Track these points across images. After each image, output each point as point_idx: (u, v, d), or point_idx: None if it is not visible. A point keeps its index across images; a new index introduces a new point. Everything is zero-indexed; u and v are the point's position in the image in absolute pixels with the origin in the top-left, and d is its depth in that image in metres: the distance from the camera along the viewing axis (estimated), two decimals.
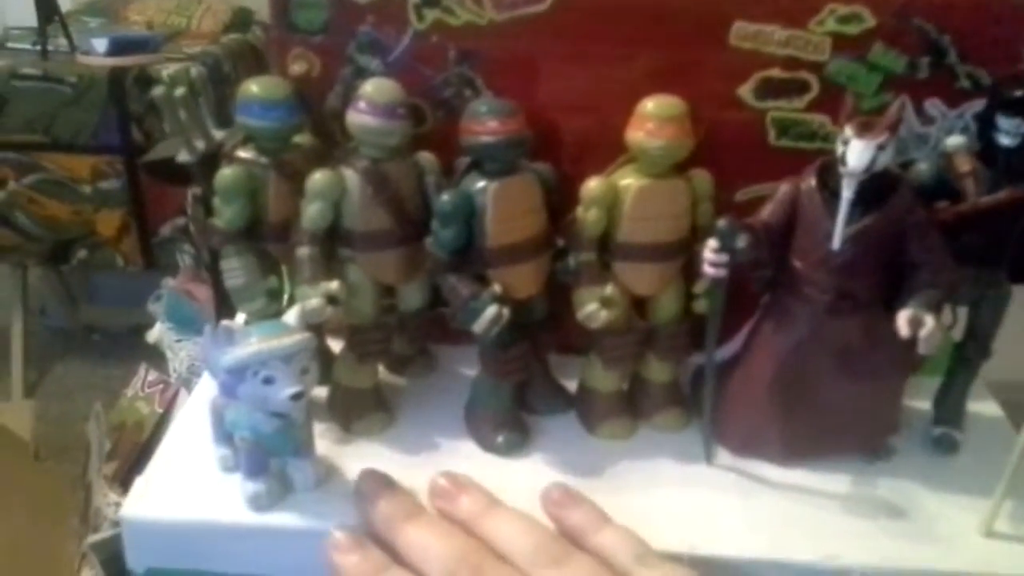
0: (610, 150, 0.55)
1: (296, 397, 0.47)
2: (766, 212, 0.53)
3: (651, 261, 0.56)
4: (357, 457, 0.55)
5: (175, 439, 0.57)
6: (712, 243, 0.50)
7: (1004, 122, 0.51)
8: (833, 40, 0.56)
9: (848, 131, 0.48)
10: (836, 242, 0.50)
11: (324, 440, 0.56)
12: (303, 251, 0.54)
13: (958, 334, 0.58)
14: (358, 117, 0.53)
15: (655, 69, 0.57)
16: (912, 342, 0.48)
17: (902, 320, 0.48)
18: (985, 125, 0.53)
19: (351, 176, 0.54)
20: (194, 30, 1.72)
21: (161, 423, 1.03)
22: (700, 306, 0.56)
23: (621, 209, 0.54)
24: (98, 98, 1.44)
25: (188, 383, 0.98)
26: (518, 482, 0.52)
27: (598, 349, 0.58)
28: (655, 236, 0.55)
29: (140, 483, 0.53)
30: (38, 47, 1.50)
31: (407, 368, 0.65)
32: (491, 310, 0.52)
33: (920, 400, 0.60)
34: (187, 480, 0.54)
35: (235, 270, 0.56)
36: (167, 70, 1.41)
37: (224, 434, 0.53)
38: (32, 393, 1.69)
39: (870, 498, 0.54)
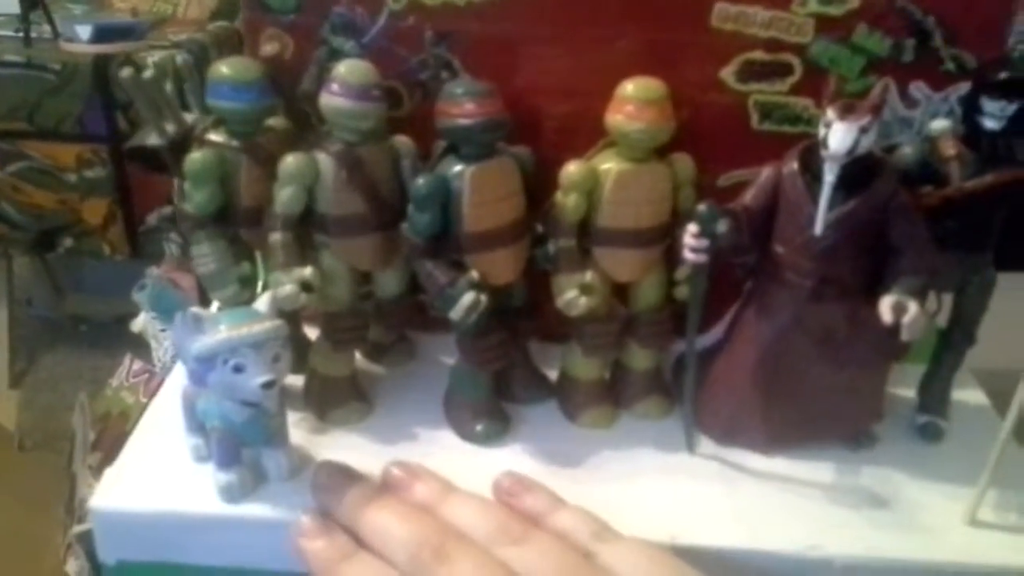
0: (590, 133, 0.54)
1: (267, 386, 0.47)
2: (748, 197, 0.52)
3: (632, 247, 0.55)
4: (333, 447, 0.55)
5: (147, 429, 0.56)
6: (692, 228, 0.50)
7: (989, 105, 0.51)
8: (816, 21, 0.55)
9: (830, 114, 0.47)
10: (819, 227, 0.49)
11: (299, 430, 0.56)
12: (276, 237, 0.53)
13: (943, 320, 0.57)
14: (331, 99, 0.52)
15: (636, 51, 0.56)
16: (896, 329, 0.47)
17: (885, 306, 0.47)
18: (970, 108, 0.52)
19: (325, 160, 0.52)
20: (180, 17, 1.70)
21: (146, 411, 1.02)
22: (682, 292, 0.56)
23: (601, 194, 0.53)
24: (82, 86, 1.42)
25: (173, 370, 0.97)
26: (498, 472, 0.51)
27: (578, 336, 0.57)
28: (636, 221, 0.54)
29: (111, 474, 0.52)
30: (21, 34, 1.48)
31: (385, 356, 0.64)
32: (468, 297, 0.51)
33: (904, 388, 0.60)
34: (159, 470, 0.53)
35: (206, 256, 0.54)
36: (152, 57, 1.39)
37: (196, 423, 0.52)
38: (18, 383, 1.68)
39: (853, 487, 0.53)
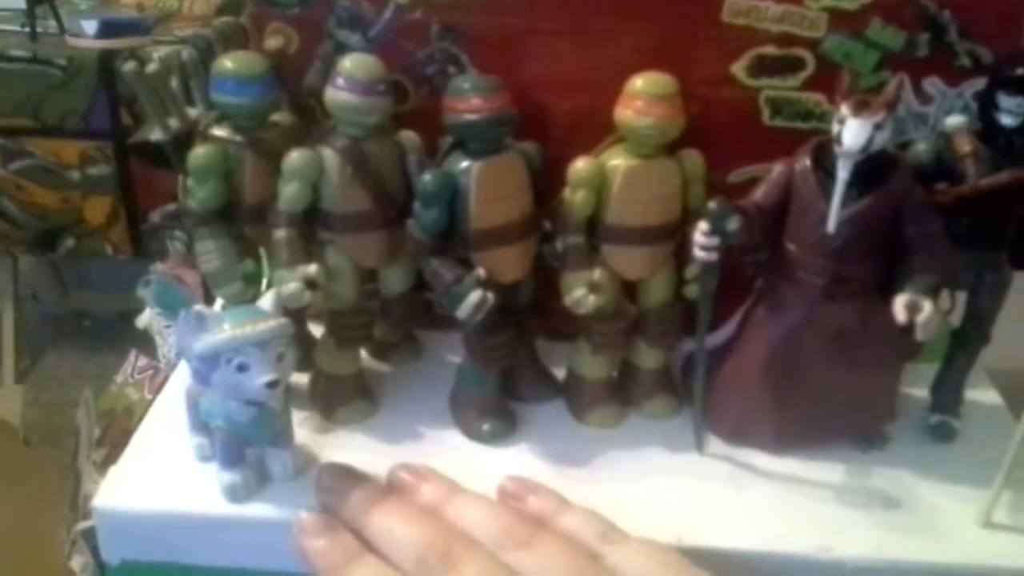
0: (599, 129, 0.54)
1: (271, 385, 0.46)
2: (759, 194, 0.51)
3: (641, 244, 0.54)
4: (338, 446, 0.54)
5: (151, 427, 0.56)
6: (703, 226, 0.49)
7: (1006, 101, 0.50)
8: (829, 16, 0.54)
9: (844, 110, 0.47)
10: (831, 225, 0.49)
11: (304, 429, 0.55)
12: (280, 233, 0.52)
13: (957, 319, 0.56)
14: (337, 94, 0.51)
15: (645, 45, 0.55)
16: (909, 328, 0.46)
17: (899, 305, 0.47)
18: (986, 104, 0.51)
19: (330, 155, 0.52)
20: (185, 13, 1.70)
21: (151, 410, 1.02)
22: (691, 291, 0.55)
23: (610, 191, 0.53)
24: (88, 81, 1.42)
25: (177, 367, 0.97)
26: (504, 471, 0.50)
27: (586, 335, 0.56)
28: (645, 219, 0.53)
29: (114, 473, 0.52)
30: (27, 28, 1.48)
31: (391, 354, 0.63)
32: (475, 295, 0.51)
33: (917, 387, 0.59)
34: (162, 470, 0.52)
35: (210, 253, 0.54)
36: (158, 52, 1.39)
37: (200, 423, 0.51)
38: (23, 379, 1.68)
39: (865, 488, 0.53)
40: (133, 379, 1.15)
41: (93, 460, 1.12)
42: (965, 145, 0.51)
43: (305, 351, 0.57)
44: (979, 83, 0.54)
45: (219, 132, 0.54)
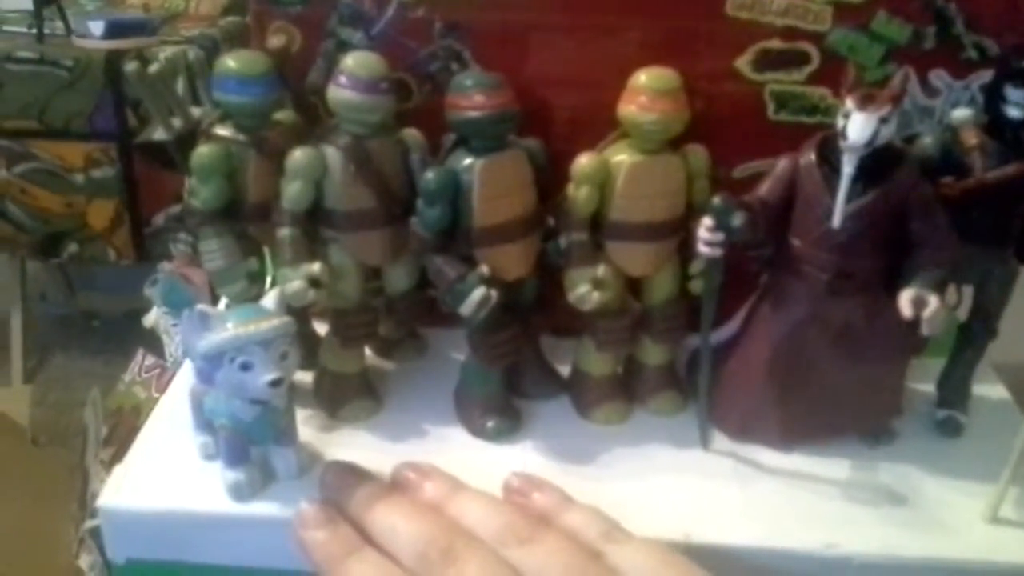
0: (602, 125, 0.53)
1: (275, 384, 0.46)
2: (764, 189, 0.51)
3: (645, 241, 0.54)
4: (343, 444, 0.54)
5: (156, 426, 0.56)
6: (707, 221, 0.49)
7: (1013, 93, 0.50)
8: (834, 9, 0.54)
9: (849, 104, 0.46)
10: (836, 220, 0.48)
11: (309, 427, 0.55)
12: (284, 232, 0.52)
13: (963, 314, 0.56)
14: (339, 92, 0.51)
15: (649, 40, 0.55)
16: (915, 323, 0.46)
17: (904, 300, 0.46)
18: (993, 97, 0.51)
19: (333, 154, 0.52)
20: (192, 12, 1.71)
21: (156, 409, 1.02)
22: (696, 287, 0.55)
23: (613, 187, 0.53)
24: (94, 82, 1.42)
25: (183, 365, 0.97)
26: (509, 469, 0.50)
27: (591, 332, 0.56)
28: (649, 215, 0.53)
29: (119, 472, 0.52)
30: (34, 30, 1.48)
31: (395, 352, 0.63)
32: (478, 292, 0.50)
33: (923, 382, 0.59)
34: (167, 469, 0.52)
35: (214, 252, 0.54)
36: (164, 53, 1.39)
37: (204, 421, 0.51)
38: (31, 379, 1.69)
39: (871, 484, 0.52)
40: (140, 378, 1.15)
41: (101, 459, 1.13)
42: (971, 138, 0.50)
43: (309, 349, 0.57)
44: (986, 75, 0.54)
45: (222, 131, 0.54)
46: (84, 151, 1.44)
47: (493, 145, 0.51)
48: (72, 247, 1.52)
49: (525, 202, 0.53)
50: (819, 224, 0.49)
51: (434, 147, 0.54)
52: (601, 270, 0.54)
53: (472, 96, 0.50)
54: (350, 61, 0.51)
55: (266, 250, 0.57)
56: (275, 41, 0.56)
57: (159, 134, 0.55)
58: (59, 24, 1.49)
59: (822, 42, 0.55)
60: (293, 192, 0.52)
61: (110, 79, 1.41)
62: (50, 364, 1.71)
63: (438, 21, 0.56)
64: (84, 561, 1.07)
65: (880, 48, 0.54)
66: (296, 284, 0.51)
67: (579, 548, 0.42)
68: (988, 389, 0.60)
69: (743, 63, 0.56)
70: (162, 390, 1.03)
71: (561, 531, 0.44)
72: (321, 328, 0.60)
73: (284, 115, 0.56)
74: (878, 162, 0.47)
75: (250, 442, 0.49)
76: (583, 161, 0.52)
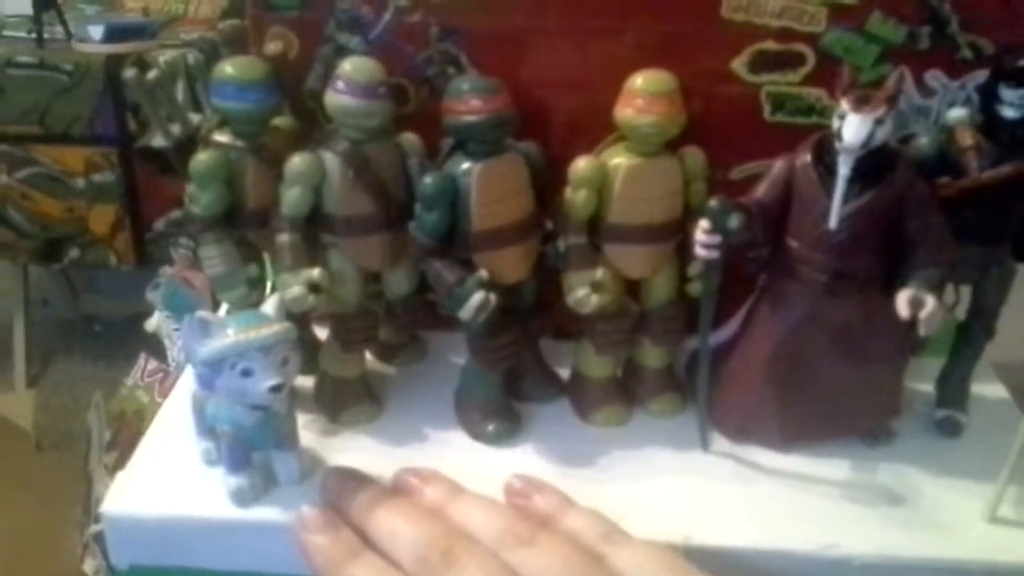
0: (599, 128, 0.54)
1: (276, 390, 0.46)
2: (760, 190, 0.51)
3: (643, 243, 0.54)
4: (344, 449, 0.54)
5: (158, 432, 0.56)
6: (704, 224, 0.49)
7: (1008, 93, 0.50)
8: (829, 10, 0.54)
9: (844, 105, 0.46)
10: (833, 221, 0.48)
11: (310, 432, 0.55)
12: (283, 238, 0.52)
13: (962, 313, 0.56)
14: (337, 98, 0.51)
15: (645, 43, 0.55)
16: (913, 323, 0.46)
17: (902, 301, 0.46)
18: (988, 97, 0.51)
19: (331, 159, 0.52)
20: (191, 16, 1.71)
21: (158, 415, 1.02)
22: (694, 289, 0.55)
23: (611, 189, 0.53)
24: (94, 86, 1.42)
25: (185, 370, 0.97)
26: (509, 472, 0.50)
27: (590, 334, 0.56)
28: (647, 217, 0.53)
29: (121, 478, 0.52)
30: (34, 35, 1.48)
31: (396, 356, 0.63)
32: (477, 296, 0.51)
33: (922, 382, 0.59)
34: (169, 474, 0.52)
35: (214, 258, 0.54)
36: (164, 56, 1.39)
37: (206, 427, 0.51)
38: (34, 384, 1.69)
39: (870, 484, 0.53)
40: (143, 382, 1.15)
41: (105, 463, 1.13)
42: (967, 138, 0.51)
43: (310, 354, 0.57)
44: (981, 75, 0.54)
45: (221, 138, 0.54)
46: (85, 156, 1.44)
47: (491, 149, 0.51)
48: (73, 252, 1.52)
49: (523, 206, 0.53)
50: (816, 225, 0.49)
51: (432, 151, 0.55)
52: (600, 273, 0.54)
53: (469, 100, 0.50)
54: (347, 66, 0.51)
55: (266, 256, 0.57)
56: (272, 47, 0.56)
57: (158, 140, 0.55)
58: (59, 29, 1.50)
59: (817, 43, 0.55)
60: (292, 198, 0.52)
61: (110, 83, 1.41)
62: (53, 369, 1.71)
63: (434, 25, 0.56)
64: (89, 566, 1.07)
65: (875, 49, 0.55)
66: (296, 290, 0.51)
67: (580, 550, 0.43)
68: (987, 388, 0.60)
69: (739, 65, 0.56)
70: (165, 394, 1.04)
71: (562, 534, 0.44)
72: (321, 333, 0.60)
73: (282, 121, 0.57)
74: (874, 163, 0.47)
75: (252, 447, 0.50)
76: (580, 164, 0.52)
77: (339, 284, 0.54)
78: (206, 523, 0.50)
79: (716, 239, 0.49)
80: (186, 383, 0.59)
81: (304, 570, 0.46)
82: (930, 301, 0.46)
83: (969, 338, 0.56)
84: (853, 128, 0.46)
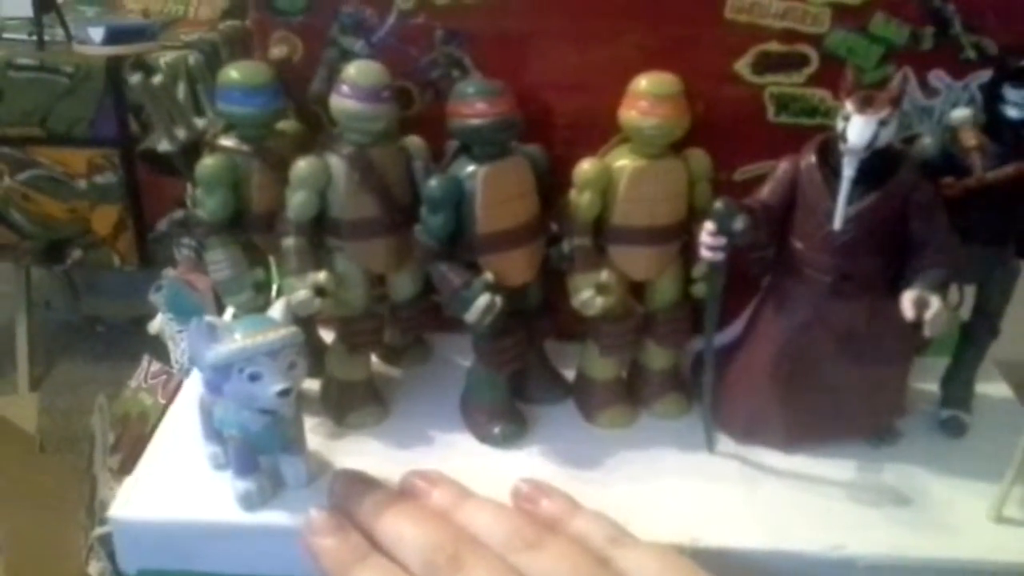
0: (604, 130, 0.54)
1: (283, 394, 0.46)
2: (765, 192, 0.52)
3: (647, 245, 0.54)
4: (350, 452, 0.54)
5: (165, 436, 0.56)
6: (709, 225, 0.49)
7: (1012, 93, 0.50)
8: (832, 11, 0.54)
9: (848, 106, 0.47)
10: (837, 222, 0.48)
11: (317, 435, 0.55)
12: (289, 242, 0.52)
13: (966, 313, 0.56)
14: (341, 101, 0.51)
15: (649, 45, 0.55)
16: (917, 324, 0.46)
17: (906, 302, 0.47)
18: (992, 97, 0.51)
19: (336, 163, 0.52)
20: (191, 17, 1.71)
21: (165, 415, 1.02)
22: (699, 290, 0.55)
23: (615, 191, 0.53)
24: (95, 88, 1.42)
25: (190, 374, 0.97)
26: (515, 474, 0.50)
27: (595, 336, 0.56)
28: (651, 219, 0.53)
29: (129, 483, 0.52)
30: (34, 37, 1.48)
31: (401, 359, 0.63)
32: (483, 299, 0.51)
33: (927, 382, 0.59)
34: (177, 479, 0.53)
35: (220, 262, 0.54)
36: (164, 58, 1.39)
37: (213, 431, 0.52)
38: (37, 387, 1.69)
39: (876, 484, 0.53)
40: (147, 384, 1.15)
41: (109, 466, 1.13)
42: (971, 138, 0.51)
43: (316, 357, 0.57)
44: (985, 75, 0.54)
45: (226, 142, 0.54)
46: (86, 157, 1.44)
47: (495, 152, 0.52)
48: (76, 253, 1.52)
49: (528, 208, 0.53)
50: (820, 226, 0.49)
51: (437, 154, 0.55)
52: (604, 275, 0.54)
53: (474, 103, 0.50)
54: (352, 70, 0.51)
55: (272, 260, 0.57)
56: (277, 51, 0.56)
57: (163, 145, 0.55)
58: (59, 31, 1.50)
59: (821, 44, 0.55)
60: (297, 202, 0.52)
61: (111, 85, 1.41)
62: (56, 371, 1.71)
63: (439, 28, 0.56)
64: (93, 568, 1.07)
65: (878, 50, 0.55)
66: (302, 293, 0.51)
67: (586, 554, 0.43)
68: (991, 388, 0.60)
69: (743, 66, 0.56)
70: (168, 396, 1.03)
71: (569, 537, 0.44)
72: (327, 336, 0.60)
73: (287, 125, 0.57)
74: (878, 164, 0.47)
75: (259, 451, 0.50)
76: (585, 166, 0.52)
77: (345, 287, 0.54)
78: (214, 527, 0.50)
79: (721, 240, 0.49)
80: (192, 387, 0.59)
81: (311, 574, 0.46)
82: (935, 302, 0.46)
83: (973, 338, 0.56)
84: (857, 129, 0.46)
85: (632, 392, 0.59)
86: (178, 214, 1.42)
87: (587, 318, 0.55)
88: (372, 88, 0.51)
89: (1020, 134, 0.50)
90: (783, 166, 0.51)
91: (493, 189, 0.51)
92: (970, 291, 0.55)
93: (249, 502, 0.50)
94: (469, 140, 0.52)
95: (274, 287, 0.58)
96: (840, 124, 0.47)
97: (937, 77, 0.55)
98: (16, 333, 1.70)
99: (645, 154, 0.53)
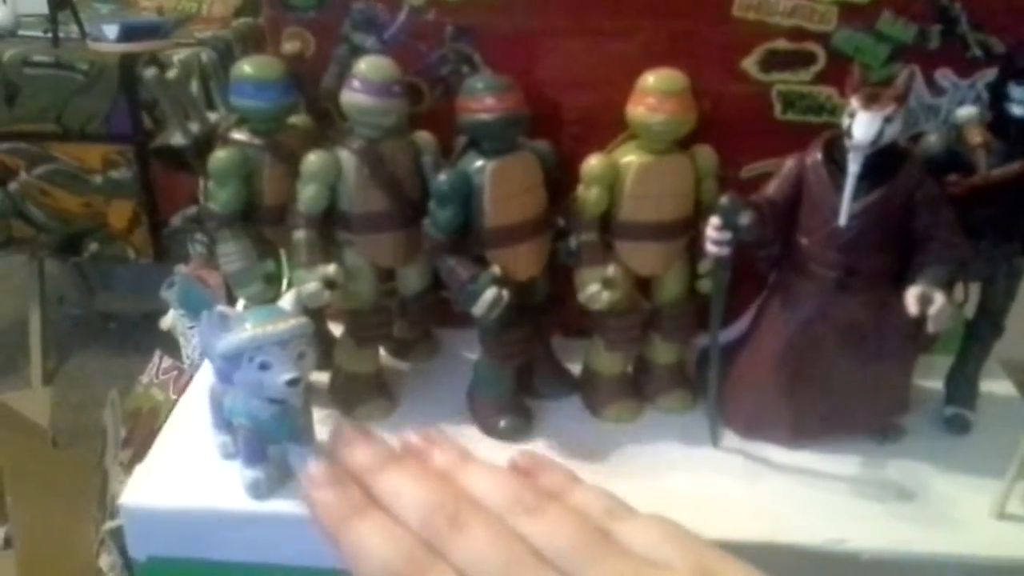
0: (611, 127, 0.54)
1: (292, 383, 0.47)
2: (771, 188, 0.52)
3: (654, 240, 0.55)
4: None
5: (176, 426, 0.57)
6: (715, 221, 0.49)
7: (1017, 91, 0.50)
8: (840, 9, 0.54)
9: (854, 103, 0.47)
10: (843, 218, 0.49)
11: (325, 426, 0.56)
12: (299, 234, 0.53)
13: (970, 311, 0.56)
14: (352, 96, 0.52)
15: (657, 42, 0.55)
16: (922, 320, 0.47)
17: (911, 298, 0.47)
18: (997, 95, 0.51)
19: (347, 157, 0.53)
20: (205, 15, 1.72)
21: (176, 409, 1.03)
22: (704, 286, 0.55)
23: (622, 187, 0.53)
24: (109, 85, 1.43)
25: (200, 367, 0.98)
26: None
27: (601, 331, 0.57)
28: (658, 215, 0.54)
29: (140, 471, 0.53)
30: (49, 34, 1.50)
31: (409, 352, 0.64)
32: (490, 292, 0.51)
33: (931, 379, 0.59)
34: (187, 467, 0.53)
35: (231, 255, 0.55)
36: (178, 55, 1.40)
37: (223, 420, 0.52)
38: (50, 381, 1.70)
39: (879, 480, 0.53)
40: (158, 380, 1.16)
41: (120, 460, 1.14)
42: (976, 136, 0.51)
43: (325, 350, 0.58)
44: (991, 74, 0.54)
45: (238, 136, 0.55)
46: (101, 152, 1.46)
47: (504, 147, 0.52)
48: (93, 246, 1.53)
49: (536, 203, 0.54)
50: (826, 223, 0.50)
51: (446, 149, 0.55)
52: (611, 270, 0.54)
53: (483, 99, 0.51)
54: (363, 65, 0.52)
55: (282, 252, 0.58)
56: (289, 46, 0.57)
57: (177, 139, 0.56)
58: (74, 28, 1.51)
59: (828, 42, 0.55)
60: (308, 195, 0.53)
61: (125, 82, 1.43)
62: (69, 366, 1.73)
63: (449, 25, 0.57)
64: (104, 562, 1.08)
65: (885, 48, 0.55)
66: (312, 286, 0.52)
67: (587, 522, 0.43)
68: (995, 385, 0.61)
69: (750, 64, 0.56)
70: (179, 392, 1.04)
71: (569, 505, 0.44)
72: (336, 329, 0.61)
73: (299, 119, 0.57)
74: (884, 161, 0.48)
75: (268, 441, 0.50)
76: (592, 162, 0.53)
77: (354, 280, 0.55)
78: (223, 515, 0.51)
79: (727, 236, 0.49)
80: (203, 378, 0.59)
81: (319, 561, 0.46)
82: (939, 298, 0.47)
83: (978, 335, 0.57)
84: (863, 126, 0.46)
85: (638, 387, 0.59)
86: (191, 210, 1.43)
87: (593, 313, 0.55)
88: (383, 83, 0.52)
89: None
90: (789, 163, 0.52)
91: (501, 184, 0.52)
92: (975, 289, 0.55)
93: (257, 490, 0.50)
94: (477, 135, 0.52)
95: (284, 280, 0.58)
96: (846, 120, 0.47)
97: (943, 75, 0.56)
98: (30, 328, 1.71)
99: (652, 150, 0.53)
